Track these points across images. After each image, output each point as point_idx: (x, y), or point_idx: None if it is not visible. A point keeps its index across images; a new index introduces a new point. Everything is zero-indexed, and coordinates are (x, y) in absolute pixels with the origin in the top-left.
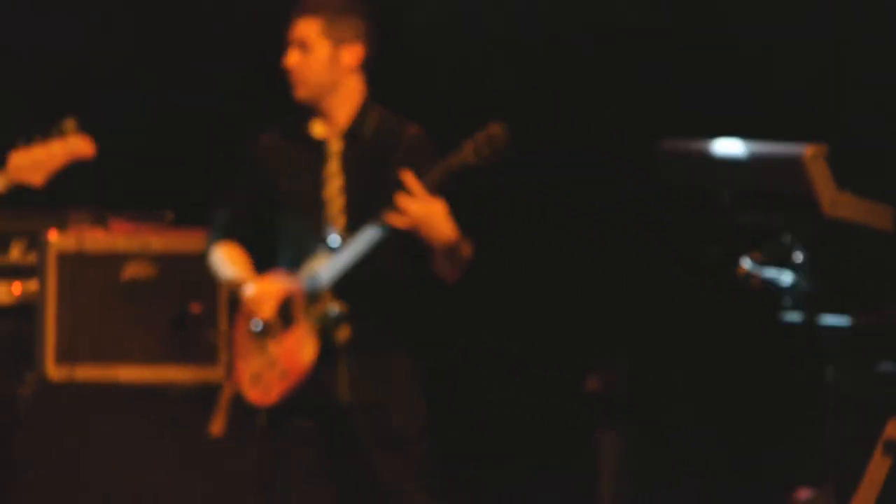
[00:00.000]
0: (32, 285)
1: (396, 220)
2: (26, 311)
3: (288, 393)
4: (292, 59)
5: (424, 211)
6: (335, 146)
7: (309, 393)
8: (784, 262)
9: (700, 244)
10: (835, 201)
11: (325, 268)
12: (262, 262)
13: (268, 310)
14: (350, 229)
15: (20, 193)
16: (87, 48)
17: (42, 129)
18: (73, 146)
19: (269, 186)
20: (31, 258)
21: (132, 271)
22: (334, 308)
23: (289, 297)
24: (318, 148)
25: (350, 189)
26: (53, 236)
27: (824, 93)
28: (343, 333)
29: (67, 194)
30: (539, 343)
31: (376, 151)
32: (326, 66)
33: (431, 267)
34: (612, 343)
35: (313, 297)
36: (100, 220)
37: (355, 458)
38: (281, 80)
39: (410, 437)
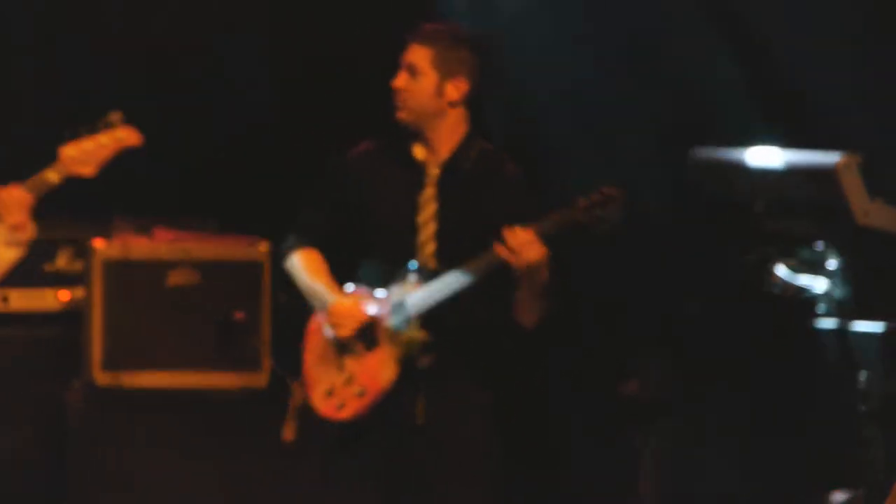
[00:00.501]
0: (79, 292)
1: (510, 257)
2: (73, 317)
3: (363, 412)
4: (401, 81)
5: (538, 254)
6: (434, 172)
7: (384, 413)
8: (817, 270)
9: (735, 251)
10: (867, 210)
11: (416, 297)
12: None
13: (349, 329)
14: (438, 256)
15: (67, 199)
16: (133, 49)
17: (88, 123)
18: (120, 137)
19: (361, 200)
20: (78, 266)
21: (176, 278)
22: (421, 338)
23: (373, 320)
24: (417, 172)
25: (443, 217)
26: (99, 244)
27: (858, 101)
28: (424, 361)
29: (113, 202)
30: (578, 346)
31: (473, 183)
32: (431, 96)
33: (511, 312)
34: (649, 347)
35: (400, 324)
36: (144, 228)
37: (420, 482)
38: (325, 92)
39: (478, 469)
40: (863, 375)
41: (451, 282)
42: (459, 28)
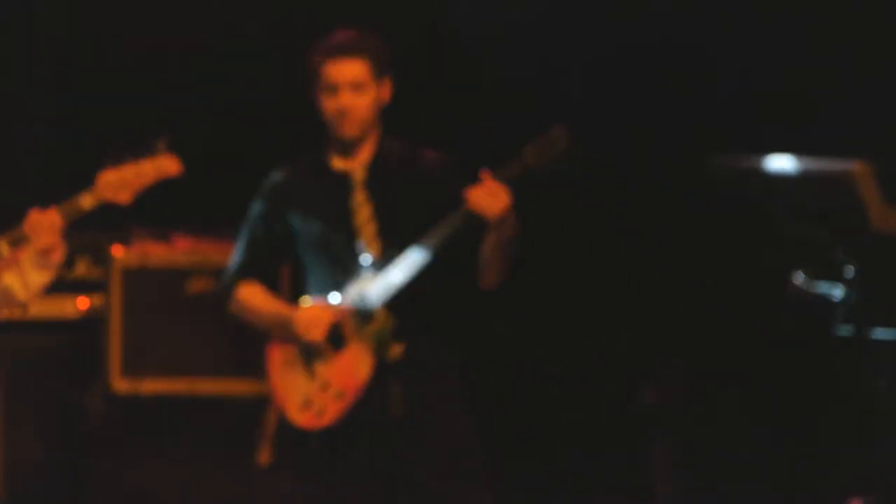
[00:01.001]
0: (98, 300)
1: (483, 208)
2: (92, 325)
3: (344, 412)
4: (348, 100)
5: (505, 202)
6: (359, 176)
7: (362, 411)
8: (835, 277)
9: (753, 258)
10: (884, 216)
11: (376, 287)
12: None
13: (319, 333)
14: (386, 252)
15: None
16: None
17: (130, 146)
18: (161, 165)
19: (291, 222)
20: (97, 273)
21: (194, 286)
22: (390, 326)
23: (337, 319)
24: (342, 180)
25: (380, 215)
26: (118, 252)
27: (872, 107)
28: (396, 350)
29: (131, 210)
30: (594, 353)
31: (399, 176)
32: (374, 105)
33: (474, 278)
34: (667, 354)
35: (366, 316)
36: (163, 236)
37: (407, 475)
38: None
39: (462, 451)
40: (880, 382)
41: (411, 261)
42: (360, 29)
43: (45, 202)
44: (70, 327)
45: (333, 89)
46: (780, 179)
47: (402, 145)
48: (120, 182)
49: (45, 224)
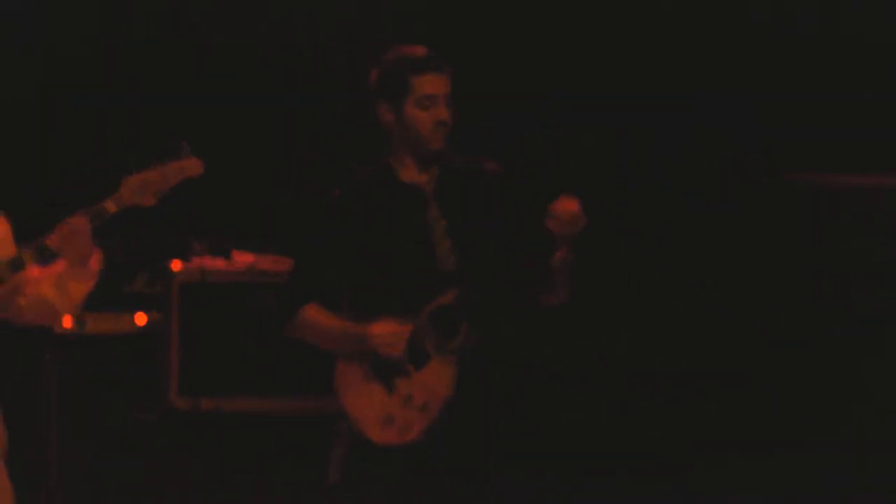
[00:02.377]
0: (156, 315)
1: (564, 227)
2: (150, 340)
3: (430, 425)
4: (446, 112)
5: (583, 220)
6: (430, 189)
7: (446, 423)
8: None
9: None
10: None
11: (455, 302)
12: None
13: (400, 347)
14: (460, 268)
15: (143, 222)
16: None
17: (155, 149)
18: (185, 168)
19: (357, 239)
20: (156, 289)
21: (254, 302)
22: (471, 339)
23: (415, 333)
24: (415, 194)
25: (453, 229)
26: (177, 267)
27: None
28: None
29: (191, 224)
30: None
31: (467, 189)
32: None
33: (541, 294)
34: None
35: (447, 330)
36: (222, 251)
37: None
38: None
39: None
40: None
41: (485, 278)
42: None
43: (70, 208)
44: (128, 342)
45: (432, 101)
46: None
47: (463, 157)
48: (143, 186)
49: (76, 232)
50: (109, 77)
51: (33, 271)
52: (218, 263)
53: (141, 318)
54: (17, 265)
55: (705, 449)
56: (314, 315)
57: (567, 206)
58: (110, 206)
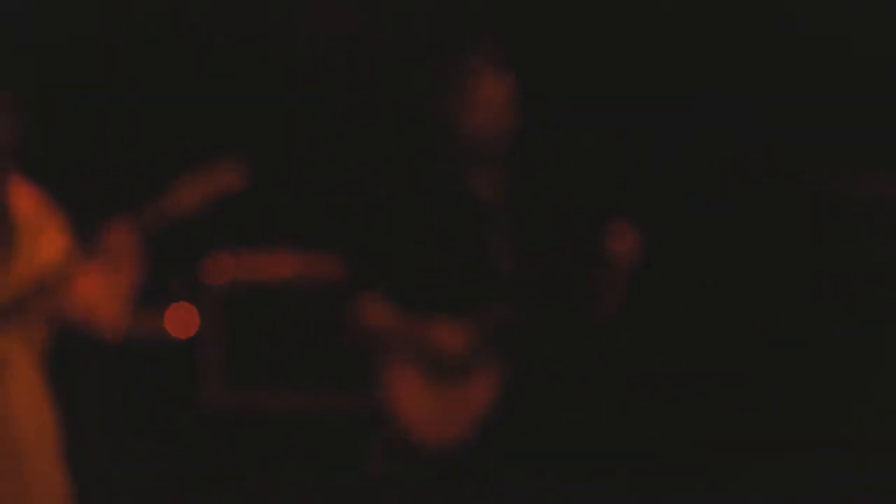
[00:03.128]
0: (193, 318)
1: (620, 259)
2: (190, 343)
3: (473, 429)
4: (505, 118)
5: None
6: (492, 196)
7: (488, 429)
8: None
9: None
10: None
11: (506, 311)
12: None
13: (461, 350)
14: (516, 278)
15: (180, 227)
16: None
17: (197, 163)
18: (225, 180)
19: (416, 238)
20: (194, 290)
21: (292, 301)
22: (520, 347)
23: (470, 337)
24: (476, 198)
25: (513, 239)
26: (213, 270)
27: None
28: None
29: (226, 227)
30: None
31: (526, 200)
32: None
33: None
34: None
35: (495, 338)
36: (260, 251)
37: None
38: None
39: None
40: None
41: (539, 287)
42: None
43: (117, 214)
44: (167, 344)
45: (492, 106)
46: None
47: (528, 168)
48: (189, 195)
49: (121, 240)
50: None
51: (79, 271)
52: (256, 263)
53: (180, 321)
54: (69, 263)
55: (706, 450)
56: (372, 307)
57: (624, 237)
58: (156, 213)
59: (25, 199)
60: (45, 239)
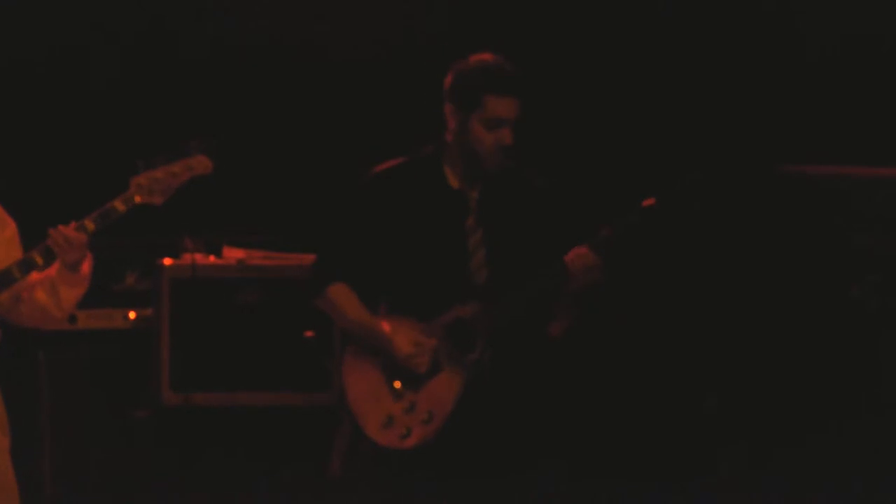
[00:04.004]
0: (147, 312)
1: (574, 281)
2: (141, 336)
3: (431, 437)
4: (510, 137)
5: (599, 277)
6: (473, 197)
7: (446, 436)
8: None
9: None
10: None
11: (479, 318)
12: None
13: (425, 361)
14: (491, 279)
15: (135, 219)
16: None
17: (165, 148)
18: (192, 165)
19: (393, 225)
20: (146, 285)
21: (245, 297)
22: (488, 356)
23: (435, 343)
24: (457, 199)
25: (490, 241)
26: (167, 263)
27: None
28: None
29: (181, 221)
30: (659, 361)
31: (510, 203)
32: None
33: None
34: (729, 363)
35: (464, 345)
36: (213, 247)
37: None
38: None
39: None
40: None
41: (512, 303)
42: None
43: (79, 207)
44: (119, 338)
45: (499, 124)
46: (846, 187)
47: (514, 171)
48: (152, 184)
49: (69, 240)
50: (109, 71)
51: (33, 275)
52: (209, 259)
53: (132, 315)
54: (26, 267)
55: (707, 451)
56: (342, 297)
57: (580, 260)
58: (119, 205)
59: None
60: None
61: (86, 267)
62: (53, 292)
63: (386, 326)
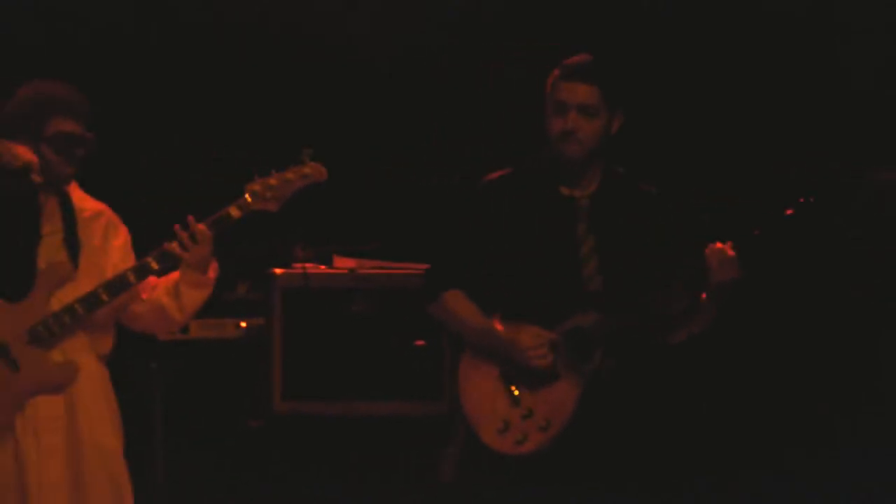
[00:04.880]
0: (258, 321)
1: (711, 275)
2: (253, 346)
3: (547, 444)
4: (575, 122)
5: (734, 273)
6: (584, 205)
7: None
8: None
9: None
10: None
11: (597, 326)
12: None
13: (548, 360)
14: (605, 287)
15: (246, 228)
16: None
17: (279, 158)
18: (307, 173)
19: (505, 233)
20: (258, 295)
21: (356, 307)
22: (608, 365)
23: (552, 347)
24: (568, 206)
25: (602, 249)
26: (279, 272)
27: None
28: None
29: (293, 232)
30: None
31: (621, 211)
32: (603, 133)
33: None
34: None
35: (581, 353)
36: (324, 257)
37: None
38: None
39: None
40: None
41: (629, 309)
42: (610, 60)
43: (194, 215)
44: (231, 347)
45: (562, 109)
46: None
47: (624, 178)
48: (266, 191)
49: (195, 235)
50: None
51: (150, 279)
52: (320, 269)
53: (244, 324)
54: (142, 272)
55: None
56: (458, 301)
57: (717, 254)
58: (235, 211)
59: (91, 213)
60: (110, 248)
61: (211, 271)
62: (177, 294)
63: (506, 329)
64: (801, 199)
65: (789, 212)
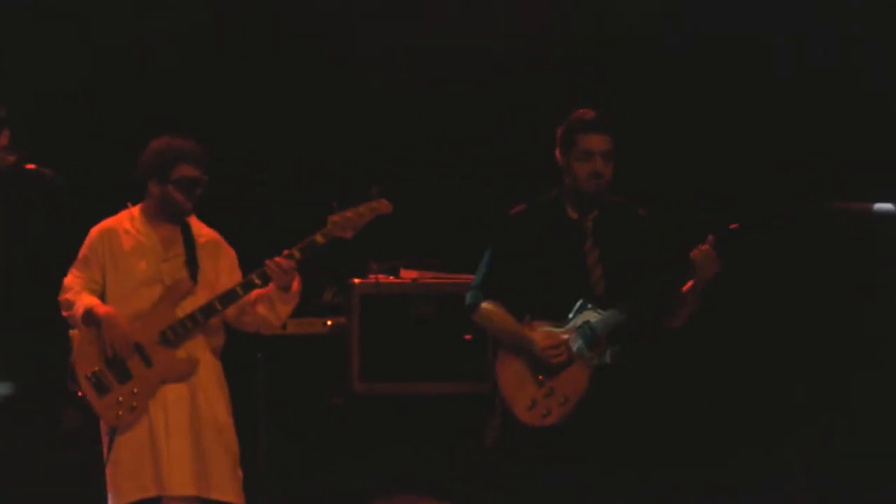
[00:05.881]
0: (341, 320)
1: (705, 266)
2: (337, 340)
3: (567, 415)
4: (602, 166)
5: (717, 268)
6: (588, 226)
7: (579, 416)
8: None
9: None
10: None
11: (599, 320)
12: None
13: (562, 358)
14: (608, 290)
15: (333, 250)
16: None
17: (352, 194)
18: (376, 207)
19: (529, 253)
20: (341, 299)
21: (418, 309)
22: (612, 352)
23: (567, 341)
24: (576, 228)
25: (605, 260)
26: (357, 282)
27: None
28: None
29: (367, 249)
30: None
31: (620, 230)
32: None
33: (666, 318)
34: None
35: (591, 343)
36: (392, 269)
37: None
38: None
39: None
40: None
41: (630, 305)
42: (604, 111)
43: (287, 241)
44: (320, 342)
45: (588, 156)
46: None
47: (621, 203)
48: (344, 222)
49: (282, 267)
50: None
51: (254, 293)
52: (389, 279)
53: (330, 323)
54: (248, 287)
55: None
56: (492, 311)
57: (703, 254)
58: (320, 238)
59: (206, 239)
60: (220, 267)
61: (295, 286)
62: (272, 306)
63: (528, 331)
64: (733, 226)
65: (734, 226)
